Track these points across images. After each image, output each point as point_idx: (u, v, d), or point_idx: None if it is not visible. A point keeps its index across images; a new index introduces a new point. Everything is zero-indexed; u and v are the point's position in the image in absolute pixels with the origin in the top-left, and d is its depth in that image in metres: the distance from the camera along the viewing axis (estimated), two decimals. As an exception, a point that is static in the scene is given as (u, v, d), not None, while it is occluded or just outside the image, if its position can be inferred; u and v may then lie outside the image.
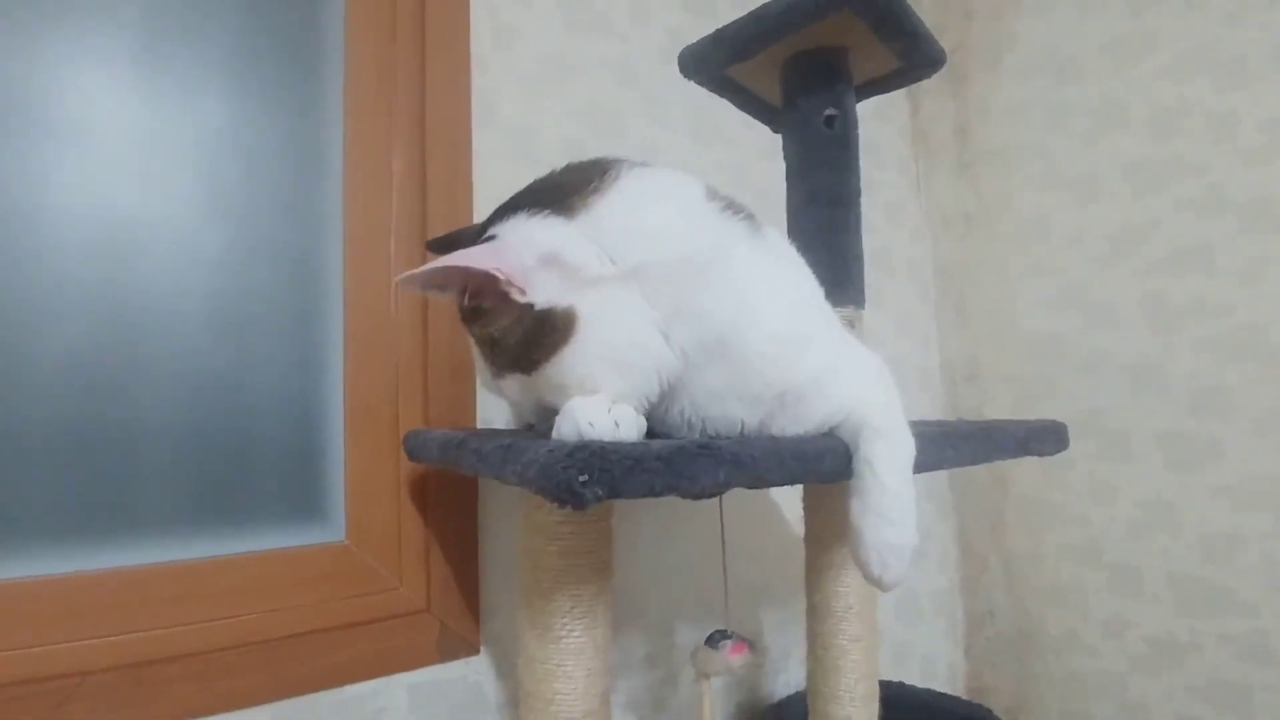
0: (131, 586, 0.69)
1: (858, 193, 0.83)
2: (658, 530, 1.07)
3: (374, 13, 0.91)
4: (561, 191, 0.54)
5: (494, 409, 0.93)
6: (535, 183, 0.57)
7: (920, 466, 0.56)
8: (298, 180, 0.86)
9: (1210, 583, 1.21)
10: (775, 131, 0.93)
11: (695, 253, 0.53)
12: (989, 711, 1.14)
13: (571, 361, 0.50)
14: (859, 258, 0.83)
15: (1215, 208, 1.22)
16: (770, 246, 0.59)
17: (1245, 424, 1.18)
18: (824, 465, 0.54)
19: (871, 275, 0.87)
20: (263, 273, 0.82)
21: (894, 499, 0.52)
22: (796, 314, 0.57)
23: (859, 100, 0.87)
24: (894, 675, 1.34)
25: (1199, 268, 1.24)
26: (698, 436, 0.55)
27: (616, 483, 0.40)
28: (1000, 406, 1.53)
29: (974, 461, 0.70)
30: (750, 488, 0.49)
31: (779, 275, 0.59)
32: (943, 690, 1.28)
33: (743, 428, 0.56)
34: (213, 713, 0.70)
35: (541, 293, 0.50)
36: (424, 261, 0.88)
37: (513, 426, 0.91)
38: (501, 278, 0.49)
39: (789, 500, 1.22)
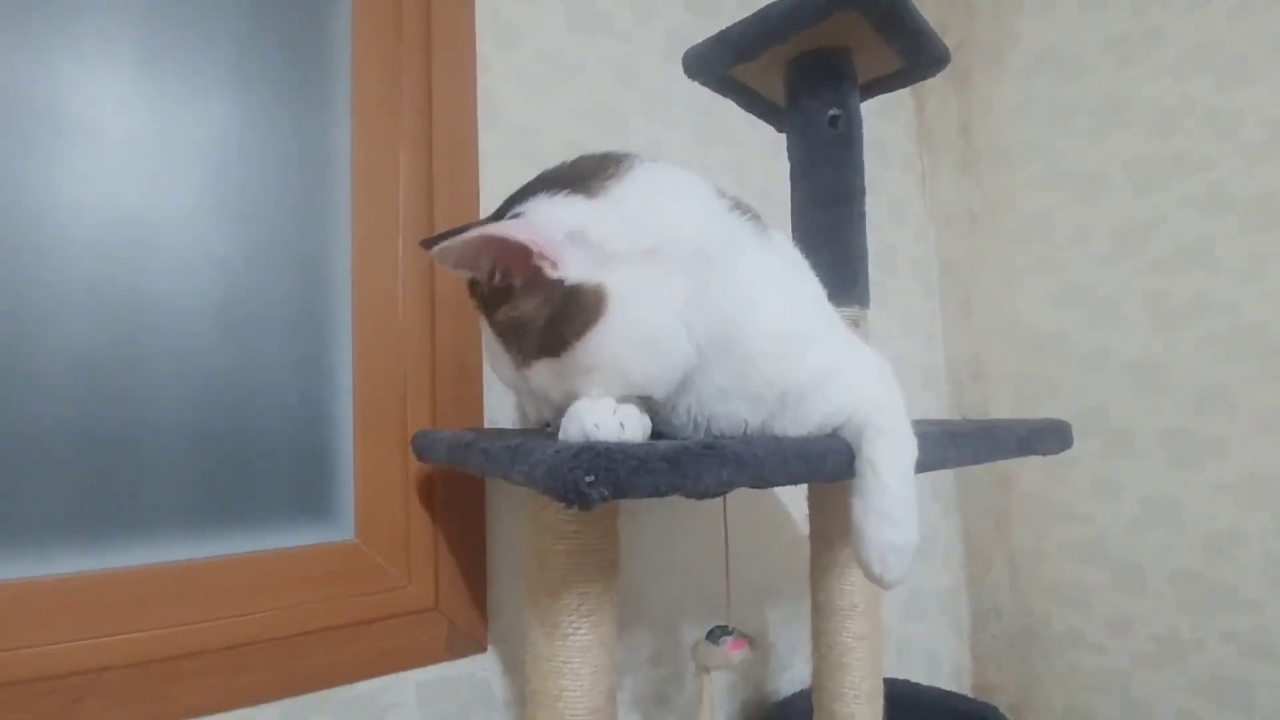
0: (144, 585, 0.70)
1: (862, 192, 0.84)
2: (663, 529, 1.08)
3: (380, 14, 0.91)
4: (579, 175, 0.54)
5: (501, 409, 0.94)
6: (549, 170, 0.57)
7: (922, 466, 0.56)
8: (305, 180, 0.86)
9: (1213, 580, 1.21)
10: (779, 131, 0.93)
11: (709, 243, 0.53)
12: (994, 709, 1.15)
13: (603, 340, 0.49)
14: (863, 257, 0.83)
15: (1218, 205, 1.22)
16: (775, 248, 0.60)
17: (1248, 421, 1.18)
18: (827, 465, 0.54)
19: (876, 273, 0.87)
20: (270, 273, 0.83)
21: (896, 499, 0.52)
22: (799, 315, 0.57)
23: (863, 100, 0.88)
24: (899, 672, 1.34)
25: (1202, 265, 1.24)
26: (702, 436, 0.56)
27: (622, 483, 0.41)
28: (1004, 404, 1.53)
29: (976, 461, 0.70)
30: (754, 487, 0.49)
31: (783, 276, 0.59)
32: (948, 687, 1.28)
33: (746, 427, 0.56)
34: (224, 709, 0.71)
35: (572, 268, 0.49)
36: (431, 261, 0.89)
37: (520, 427, 0.92)
38: (535, 250, 0.48)
39: (794, 499, 1.23)
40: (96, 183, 0.73)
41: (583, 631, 0.58)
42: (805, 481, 0.61)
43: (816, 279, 0.63)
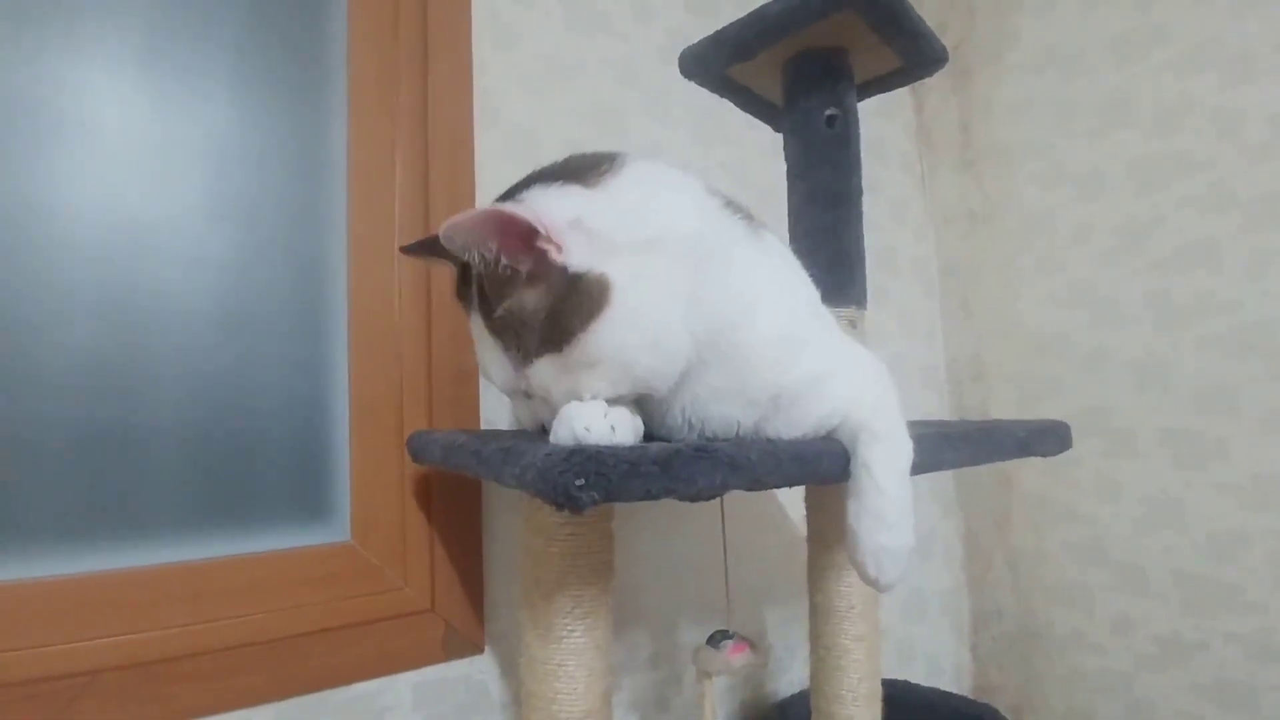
0: (140, 586, 0.70)
1: (859, 192, 0.83)
2: (661, 530, 1.08)
3: (376, 15, 0.91)
4: (575, 168, 0.54)
5: (498, 411, 0.94)
6: (542, 167, 0.57)
7: (920, 468, 0.56)
8: (302, 182, 0.86)
9: (1216, 581, 1.21)
10: (776, 131, 0.93)
11: (704, 239, 0.53)
12: (994, 710, 1.14)
13: (608, 331, 0.49)
14: (861, 257, 0.83)
15: (1220, 204, 1.21)
16: (768, 247, 0.59)
17: (1251, 421, 1.17)
18: (821, 468, 0.54)
19: (876, 274, 0.87)
20: (268, 274, 0.83)
21: (890, 502, 0.52)
22: (794, 316, 0.57)
23: (860, 99, 0.87)
24: (899, 674, 1.34)
25: (1204, 264, 1.23)
26: (696, 438, 0.55)
27: (613, 487, 0.40)
28: (1005, 405, 1.52)
29: (975, 462, 0.70)
30: (748, 490, 0.49)
31: (778, 277, 0.59)
32: (948, 689, 1.28)
33: (739, 429, 0.56)
34: (220, 711, 0.71)
35: (575, 255, 0.49)
36: (424, 265, 0.89)
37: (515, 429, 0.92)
38: (542, 231, 0.47)
39: (792, 500, 1.22)
40: (95, 183, 0.73)
41: (577, 634, 0.58)
42: (799, 484, 0.60)
43: (810, 280, 0.63)
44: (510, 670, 0.89)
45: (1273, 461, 1.15)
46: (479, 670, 0.88)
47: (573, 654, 0.58)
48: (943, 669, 1.55)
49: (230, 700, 0.72)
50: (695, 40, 0.87)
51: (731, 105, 0.96)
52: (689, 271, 0.51)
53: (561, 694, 0.58)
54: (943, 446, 0.64)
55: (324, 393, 0.85)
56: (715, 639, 0.82)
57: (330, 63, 0.89)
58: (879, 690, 0.78)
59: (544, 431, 0.54)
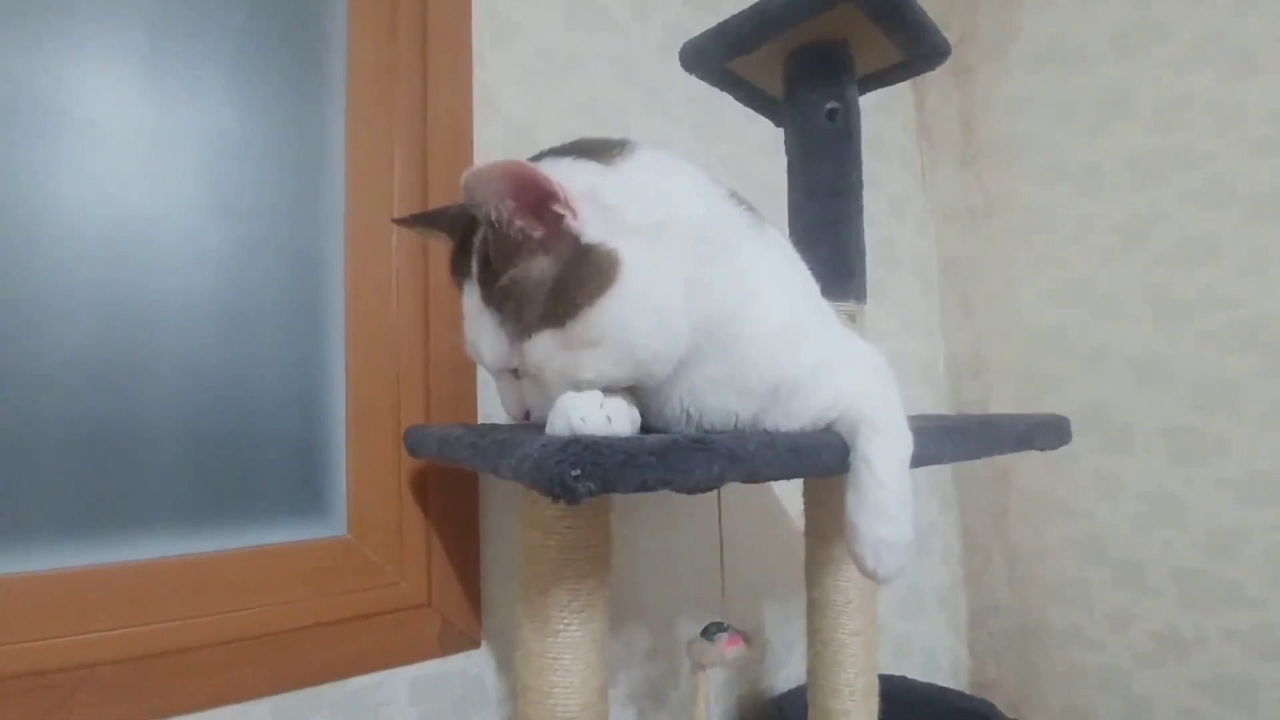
0: (137, 581, 0.70)
1: (860, 186, 0.83)
2: (660, 524, 1.08)
3: (375, 9, 0.91)
4: (588, 148, 0.54)
5: (496, 404, 0.93)
6: (554, 146, 0.56)
7: (919, 461, 0.56)
8: (300, 177, 0.86)
9: (1215, 577, 1.20)
10: (777, 125, 0.93)
11: (709, 228, 0.53)
12: (992, 706, 1.14)
13: (614, 308, 0.47)
14: (861, 251, 0.83)
15: (1221, 199, 1.21)
16: (770, 240, 0.59)
17: (1251, 417, 1.17)
18: (820, 460, 0.54)
19: (875, 269, 0.87)
20: (266, 269, 0.82)
21: (890, 495, 0.52)
22: (793, 308, 0.57)
23: (862, 93, 0.87)
24: (897, 669, 1.34)
25: (1204, 260, 1.23)
26: (693, 430, 0.55)
27: (609, 477, 0.40)
28: (1004, 400, 1.52)
29: (974, 456, 0.70)
30: (746, 482, 0.49)
31: (779, 269, 0.58)
32: (946, 684, 1.28)
33: (737, 421, 0.55)
34: (216, 705, 0.71)
35: (589, 226, 0.48)
36: (425, 258, 0.89)
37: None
38: (561, 195, 0.47)
39: (790, 494, 1.22)
40: (92, 179, 0.73)
41: (574, 628, 0.58)
42: (798, 476, 0.60)
43: (810, 273, 0.62)
44: (507, 665, 0.89)
45: (1272, 458, 1.15)
46: (475, 665, 0.88)
47: (569, 648, 0.57)
48: (940, 664, 1.55)
49: (227, 694, 0.71)
50: (694, 34, 0.86)
51: (732, 100, 0.96)
52: (693, 258, 0.51)
53: (558, 688, 0.57)
54: (942, 439, 0.63)
55: (321, 387, 0.85)
56: (710, 631, 0.82)
57: (329, 57, 0.89)
58: (876, 685, 0.78)
59: (529, 417, 0.54)
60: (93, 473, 0.71)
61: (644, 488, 0.42)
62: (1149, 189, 1.29)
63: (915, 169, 1.69)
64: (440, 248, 0.62)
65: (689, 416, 0.55)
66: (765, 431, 0.55)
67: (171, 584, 0.72)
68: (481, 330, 0.52)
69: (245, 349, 0.80)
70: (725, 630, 0.81)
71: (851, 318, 0.79)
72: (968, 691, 1.45)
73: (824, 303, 0.64)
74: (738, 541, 1.06)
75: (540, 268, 0.48)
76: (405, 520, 0.86)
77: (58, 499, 0.70)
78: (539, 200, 0.47)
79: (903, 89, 1.66)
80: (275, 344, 0.83)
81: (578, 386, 0.50)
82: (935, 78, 1.51)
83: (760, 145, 1.26)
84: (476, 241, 0.51)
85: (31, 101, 0.70)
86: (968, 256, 1.61)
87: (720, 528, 0.90)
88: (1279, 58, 1.15)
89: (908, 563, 0.53)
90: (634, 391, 0.54)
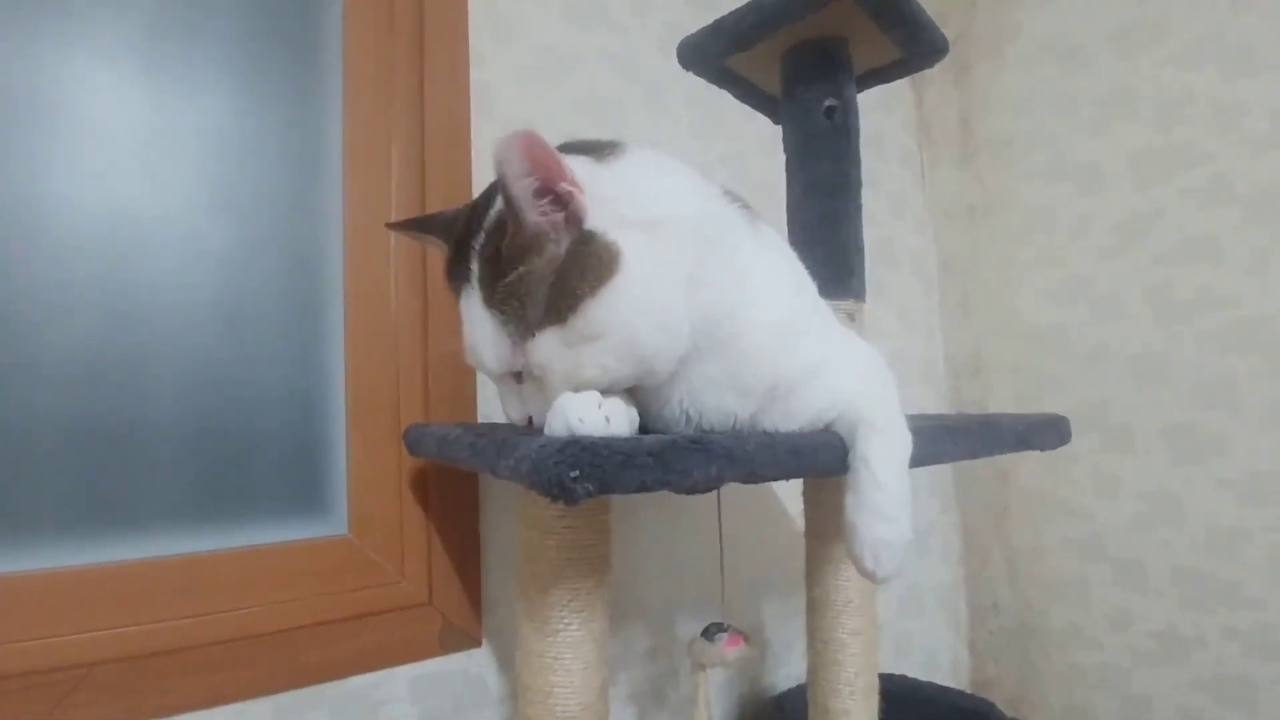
0: (137, 579, 0.70)
1: (858, 184, 0.83)
2: (660, 523, 1.08)
3: (373, 6, 0.90)
4: (580, 145, 0.54)
5: (495, 403, 0.93)
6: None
7: (918, 461, 0.56)
8: (298, 174, 0.86)
9: (1215, 576, 1.20)
10: (775, 123, 0.93)
11: (704, 225, 0.53)
12: (991, 705, 1.14)
13: (615, 300, 0.47)
14: (860, 250, 0.83)
15: (1221, 198, 1.20)
16: (765, 238, 0.59)
17: (1251, 417, 1.17)
18: (819, 460, 0.53)
19: (874, 267, 0.87)
20: (264, 267, 0.82)
21: (889, 495, 0.52)
22: (790, 306, 0.57)
23: (860, 91, 0.87)
24: (896, 668, 1.34)
25: (1204, 259, 1.22)
26: (692, 430, 0.55)
27: (608, 478, 0.40)
28: (1003, 399, 1.52)
29: (973, 455, 0.70)
30: (744, 483, 0.49)
31: (776, 268, 0.58)
32: (945, 683, 1.28)
33: (736, 421, 0.55)
34: (216, 704, 0.71)
35: (591, 212, 0.48)
36: (423, 256, 0.89)
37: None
38: (568, 171, 0.47)
39: (790, 494, 1.22)
40: (92, 178, 0.73)
41: (574, 627, 0.58)
42: (797, 477, 0.60)
43: (807, 272, 0.62)
44: (507, 664, 0.89)
45: (1272, 457, 1.15)
46: (476, 663, 0.88)
47: (569, 647, 0.57)
48: (940, 663, 1.55)
49: (227, 693, 0.71)
50: (692, 31, 0.86)
51: (730, 98, 0.96)
52: (690, 254, 0.51)
53: (558, 687, 0.57)
54: (941, 439, 0.63)
55: (320, 385, 0.85)
56: (710, 631, 0.82)
57: (326, 54, 0.89)
58: (876, 684, 0.78)
59: (531, 424, 0.53)
60: (91, 471, 0.71)
61: (642, 488, 0.42)
62: (1149, 187, 1.29)
63: (914, 167, 1.69)
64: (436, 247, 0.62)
65: (688, 417, 0.55)
66: (764, 432, 0.55)
67: (171, 583, 0.72)
68: (483, 334, 0.51)
69: (244, 347, 0.80)
70: (726, 630, 0.81)
71: (851, 317, 0.79)
72: (967, 690, 1.46)
73: (821, 302, 0.64)
74: (737, 541, 1.06)
75: (543, 262, 0.48)
76: (405, 519, 0.86)
77: (56, 497, 0.70)
78: (548, 178, 0.47)
79: (901, 86, 1.65)
80: (274, 342, 0.83)
81: (581, 386, 0.49)
82: (934, 75, 1.51)
83: (758, 143, 1.26)
84: (477, 244, 0.51)
85: (29, 99, 0.70)
86: (967, 255, 1.61)
87: (720, 527, 0.90)
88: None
89: (906, 562, 0.53)
90: (633, 393, 0.54)
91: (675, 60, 0.89)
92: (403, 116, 0.91)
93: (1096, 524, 1.36)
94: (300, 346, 0.84)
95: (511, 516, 0.92)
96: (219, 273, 0.79)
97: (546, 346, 0.49)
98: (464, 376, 0.91)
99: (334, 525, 0.83)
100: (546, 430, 0.48)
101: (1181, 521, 1.25)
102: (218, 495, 0.78)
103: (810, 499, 0.80)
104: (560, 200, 0.47)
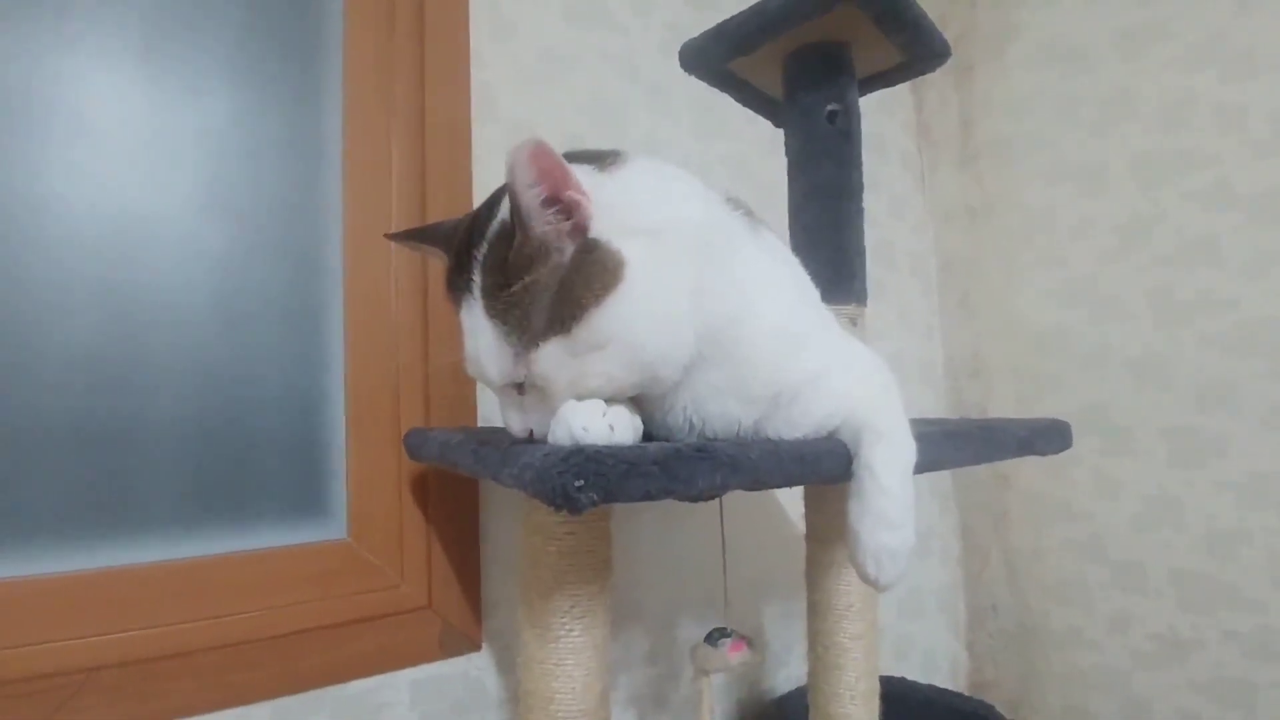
0: (137, 584, 0.70)
1: (860, 188, 0.83)
2: (660, 527, 1.07)
3: (373, 6, 0.90)
4: (582, 155, 0.54)
5: (496, 407, 0.93)
6: None
7: (921, 467, 0.56)
8: (298, 175, 0.85)
9: (1215, 579, 1.21)
10: (777, 126, 0.92)
11: (708, 233, 0.53)
12: (991, 707, 1.14)
13: (619, 310, 0.47)
14: (861, 254, 0.83)
15: (1223, 200, 1.20)
16: (768, 245, 0.59)
17: (1252, 419, 1.17)
18: (823, 467, 0.53)
19: (874, 269, 0.86)
20: (264, 268, 0.82)
21: (893, 502, 0.51)
22: (792, 312, 0.57)
23: (862, 94, 0.86)
24: (896, 670, 1.34)
25: (1206, 261, 1.22)
26: (696, 438, 0.55)
27: (612, 487, 0.40)
28: (1004, 401, 1.52)
29: (976, 461, 0.70)
30: (749, 490, 0.49)
31: (776, 273, 0.58)
32: (945, 685, 1.28)
33: (739, 429, 0.55)
34: (217, 708, 0.71)
35: (595, 222, 0.48)
36: (424, 258, 0.88)
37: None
38: (574, 179, 0.47)
39: (791, 498, 1.22)
40: (92, 178, 0.73)
41: (575, 633, 0.58)
42: (801, 484, 0.60)
43: (809, 278, 0.62)
44: (507, 667, 0.89)
45: (1272, 459, 1.15)
46: (476, 667, 0.88)
47: (571, 653, 0.57)
48: (939, 666, 1.55)
49: (227, 697, 0.71)
50: (695, 34, 0.86)
51: (731, 100, 0.95)
52: (693, 262, 0.51)
53: (559, 693, 0.57)
54: (944, 445, 0.63)
55: (320, 388, 0.85)
56: (713, 637, 0.82)
57: (326, 54, 0.88)
58: (877, 688, 0.78)
59: (532, 436, 0.53)
60: (91, 475, 0.71)
61: (647, 497, 0.42)
62: (1150, 189, 1.29)
63: (915, 169, 1.69)
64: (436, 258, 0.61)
65: (692, 425, 0.55)
66: (768, 439, 0.55)
67: (172, 587, 0.71)
68: (485, 344, 0.50)
69: (243, 348, 0.80)
70: (729, 635, 0.81)
71: (852, 321, 0.79)
72: (966, 693, 1.46)
73: (824, 308, 0.63)
74: (737, 544, 1.06)
75: (546, 271, 0.48)
76: (405, 522, 0.85)
77: (56, 501, 0.69)
78: (555, 187, 0.47)
79: (902, 89, 1.65)
80: (273, 343, 0.82)
81: (585, 396, 0.49)
82: (934, 77, 1.49)
83: (760, 145, 1.26)
84: (480, 254, 0.50)
85: (28, 99, 0.70)
86: (967, 257, 1.60)
87: (723, 532, 0.90)
88: (1281, 58, 1.15)
89: (908, 569, 0.53)
90: (636, 401, 0.54)
91: (676, 61, 0.89)
92: (403, 117, 0.90)
93: (1096, 526, 1.36)
94: (300, 348, 0.84)
95: (511, 520, 0.92)
96: (218, 274, 0.79)
97: (551, 356, 0.48)
98: (465, 380, 0.90)
99: (334, 529, 0.83)
100: (550, 439, 0.48)
101: (1181, 523, 1.25)
102: (217, 499, 0.78)
103: (811, 503, 0.80)
104: (566, 209, 0.47)
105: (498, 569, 0.91)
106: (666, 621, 1.07)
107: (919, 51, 0.83)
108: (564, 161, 0.46)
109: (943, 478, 1.61)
